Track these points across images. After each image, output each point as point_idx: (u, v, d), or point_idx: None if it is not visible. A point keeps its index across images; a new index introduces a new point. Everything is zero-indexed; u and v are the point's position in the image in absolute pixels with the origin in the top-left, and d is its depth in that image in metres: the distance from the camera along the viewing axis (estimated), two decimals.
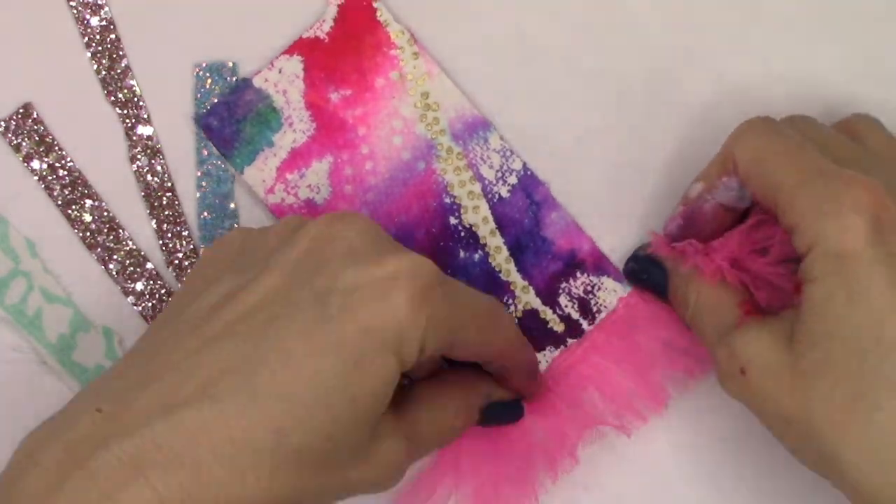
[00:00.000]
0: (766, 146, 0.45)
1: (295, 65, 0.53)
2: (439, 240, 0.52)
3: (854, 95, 0.53)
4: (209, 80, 0.53)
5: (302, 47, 0.53)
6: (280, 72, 0.53)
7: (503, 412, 0.49)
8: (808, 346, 0.42)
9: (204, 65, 0.53)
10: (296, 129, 0.52)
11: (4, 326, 0.51)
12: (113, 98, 0.53)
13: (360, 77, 0.53)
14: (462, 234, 0.52)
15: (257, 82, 0.53)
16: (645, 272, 0.50)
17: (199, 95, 0.53)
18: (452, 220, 0.52)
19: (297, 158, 0.52)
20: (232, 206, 0.52)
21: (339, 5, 0.53)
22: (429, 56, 0.53)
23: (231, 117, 0.52)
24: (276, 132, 0.52)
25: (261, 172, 0.52)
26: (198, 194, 0.53)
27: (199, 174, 0.52)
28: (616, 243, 0.52)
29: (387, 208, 0.52)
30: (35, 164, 0.52)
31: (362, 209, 0.52)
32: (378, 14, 0.53)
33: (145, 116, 0.53)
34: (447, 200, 0.52)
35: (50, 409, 0.49)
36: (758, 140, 0.45)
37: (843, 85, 0.53)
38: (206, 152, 0.53)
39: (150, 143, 0.53)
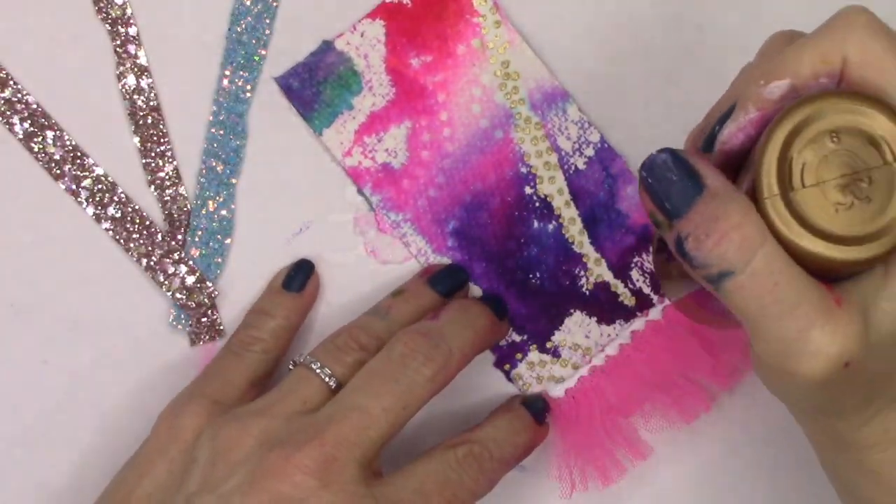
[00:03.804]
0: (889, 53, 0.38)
1: (377, 29, 0.53)
2: (514, 209, 0.52)
3: None
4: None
5: (385, 11, 0.53)
6: (362, 35, 0.53)
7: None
8: None
9: None
10: (375, 93, 0.53)
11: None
12: (103, 15, 0.53)
13: (441, 43, 0.53)
14: (537, 204, 0.52)
15: (339, 45, 0.53)
16: (663, 187, 0.37)
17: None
18: (527, 190, 0.52)
19: (375, 122, 0.53)
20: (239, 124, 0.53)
21: None
22: (510, 25, 0.53)
23: (311, 79, 0.53)
24: (355, 95, 0.53)
25: (339, 135, 0.53)
26: (213, 108, 0.53)
27: (217, 89, 0.53)
28: None
29: (463, 175, 0.52)
30: None
31: (438, 175, 0.52)
32: None
33: (134, 34, 0.53)
34: (523, 170, 0.52)
35: (49, 410, 0.51)
36: (879, 44, 0.38)
37: None
38: (228, 71, 0.53)
39: (137, 61, 0.53)
